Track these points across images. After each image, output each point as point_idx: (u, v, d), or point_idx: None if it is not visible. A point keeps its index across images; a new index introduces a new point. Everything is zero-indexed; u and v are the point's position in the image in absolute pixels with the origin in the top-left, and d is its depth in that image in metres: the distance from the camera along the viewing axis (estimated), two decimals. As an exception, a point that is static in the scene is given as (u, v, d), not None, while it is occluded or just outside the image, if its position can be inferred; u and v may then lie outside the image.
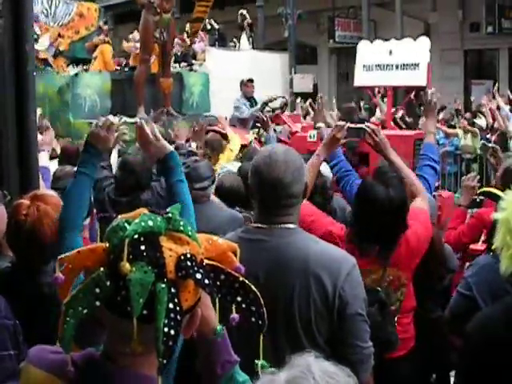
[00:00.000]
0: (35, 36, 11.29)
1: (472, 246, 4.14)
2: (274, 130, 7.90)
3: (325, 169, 4.15)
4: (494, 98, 12.83)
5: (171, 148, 2.77)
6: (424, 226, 3.25)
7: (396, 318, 3.16)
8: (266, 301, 2.34)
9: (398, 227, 3.11)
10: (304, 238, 2.47)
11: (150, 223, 1.33)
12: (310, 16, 21.47)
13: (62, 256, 1.38)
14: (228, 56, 15.64)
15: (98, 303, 1.30)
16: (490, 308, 2.38)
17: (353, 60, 8.39)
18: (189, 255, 1.32)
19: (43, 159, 5.62)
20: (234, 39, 18.14)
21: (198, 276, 1.32)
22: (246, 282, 1.43)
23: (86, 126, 9.46)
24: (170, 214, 1.38)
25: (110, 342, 1.40)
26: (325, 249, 2.48)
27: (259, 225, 2.47)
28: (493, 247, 2.26)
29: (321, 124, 4.92)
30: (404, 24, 17.98)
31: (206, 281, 1.33)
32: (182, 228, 1.37)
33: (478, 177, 5.00)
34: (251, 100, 10.39)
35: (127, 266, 1.28)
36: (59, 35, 13.45)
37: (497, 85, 14.12)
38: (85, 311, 1.30)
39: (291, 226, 2.45)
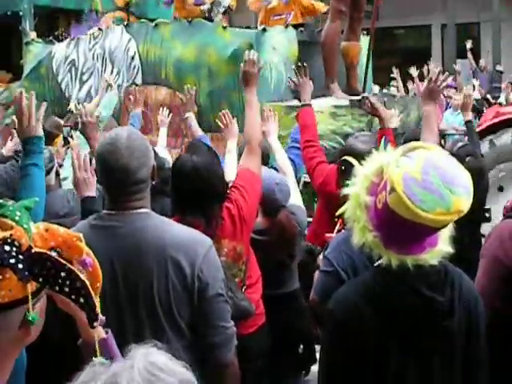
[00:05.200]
0: None
1: (327, 235, 4.04)
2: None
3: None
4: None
5: (38, 134, 2.95)
6: (251, 192, 3.22)
7: (244, 290, 3.16)
8: (126, 287, 2.36)
9: (212, 194, 3.02)
10: (158, 221, 2.45)
11: None
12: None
13: None
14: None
15: None
16: (349, 283, 2.39)
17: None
18: (9, 240, 1.28)
19: None
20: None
21: (12, 261, 1.26)
22: (74, 270, 1.33)
23: (278, 111, 5.67)
24: (0, 201, 1.34)
25: None
26: (180, 231, 2.48)
27: (111, 211, 2.44)
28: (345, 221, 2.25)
29: (190, 113, 5.37)
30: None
31: (20, 265, 1.27)
32: (8, 213, 1.32)
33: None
34: None
35: None
36: None
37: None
38: None
39: (144, 210, 2.43)
